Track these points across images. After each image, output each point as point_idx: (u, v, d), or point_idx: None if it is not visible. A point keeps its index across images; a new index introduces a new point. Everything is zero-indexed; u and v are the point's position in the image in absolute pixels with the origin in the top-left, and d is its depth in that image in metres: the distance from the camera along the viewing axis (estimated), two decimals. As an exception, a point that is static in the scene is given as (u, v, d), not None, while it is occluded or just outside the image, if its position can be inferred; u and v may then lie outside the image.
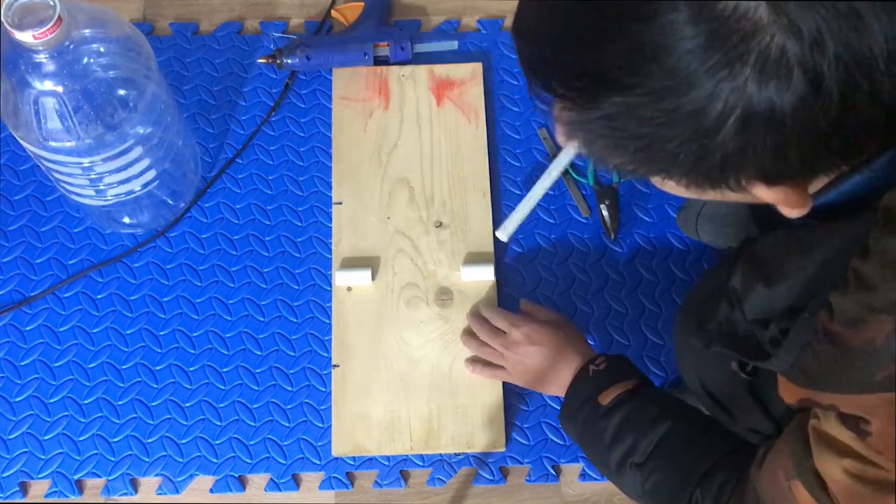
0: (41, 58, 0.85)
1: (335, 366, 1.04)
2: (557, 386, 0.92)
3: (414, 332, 1.05)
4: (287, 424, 1.03)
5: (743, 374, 0.65)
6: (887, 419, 0.49)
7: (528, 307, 1.03)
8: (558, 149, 1.14)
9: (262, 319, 1.07)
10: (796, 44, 0.42)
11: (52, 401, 1.03)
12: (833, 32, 0.42)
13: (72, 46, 0.86)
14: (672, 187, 0.52)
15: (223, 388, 1.04)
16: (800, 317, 0.57)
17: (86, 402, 1.03)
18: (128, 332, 1.06)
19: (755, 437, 0.79)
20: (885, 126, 0.46)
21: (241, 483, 1.01)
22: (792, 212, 0.52)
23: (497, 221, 1.10)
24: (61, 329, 1.06)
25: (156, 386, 1.04)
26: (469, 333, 1.04)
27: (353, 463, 1.02)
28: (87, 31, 0.88)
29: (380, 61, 1.18)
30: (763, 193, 0.50)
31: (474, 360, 1.03)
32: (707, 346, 0.72)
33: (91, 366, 1.05)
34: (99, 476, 1.01)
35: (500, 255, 1.10)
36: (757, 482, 0.64)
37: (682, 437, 0.79)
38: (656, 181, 0.52)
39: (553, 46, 0.47)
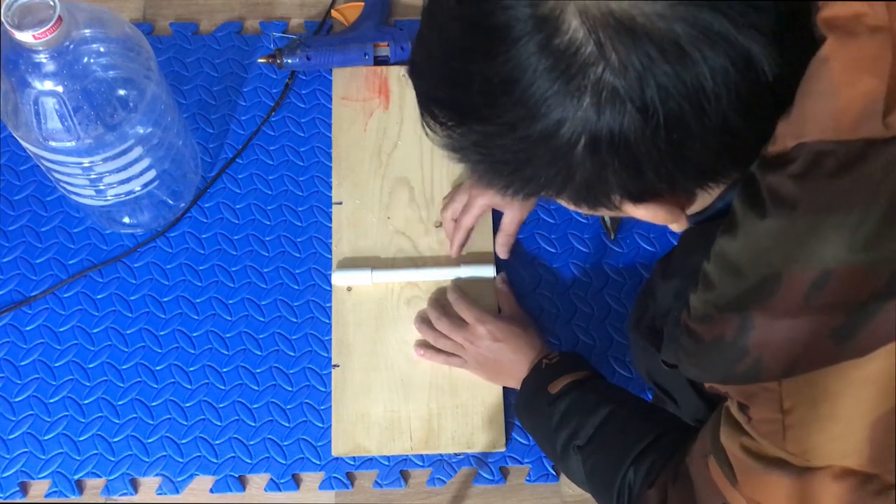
0: (41, 58, 0.85)
1: (335, 366, 1.04)
2: (514, 380, 0.96)
3: (414, 333, 1.05)
4: (287, 424, 1.03)
5: (665, 366, 0.68)
6: (763, 404, 0.53)
7: (505, 294, 1.05)
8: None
9: (262, 319, 1.07)
10: (622, 79, 0.46)
11: (52, 401, 1.03)
12: (657, 67, 0.45)
13: (72, 46, 0.86)
14: (565, 205, 0.56)
15: (223, 388, 1.04)
16: (673, 310, 0.59)
17: (86, 402, 1.03)
18: (128, 332, 1.06)
19: (700, 425, 0.81)
20: (736, 150, 0.49)
21: (241, 483, 1.01)
22: (672, 226, 0.56)
23: (497, 221, 1.10)
24: (61, 329, 1.06)
25: (156, 386, 1.04)
26: (425, 321, 1.04)
27: (353, 463, 1.02)
28: (87, 31, 0.88)
29: (380, 61, 1.18)
30: (634, 211, 0.53)
31: (425, 345, 1.04)
32: (639, 340, 0.77)
33: (91, 366, 1.05)
34: (99, 476, 1.01)
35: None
36: (690, 464, 0.67)
37: (621, 420, 0.83)
38: (558, 200, 0.56)
39: (430, 82, 0.53)
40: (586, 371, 0.92)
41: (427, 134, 0.55)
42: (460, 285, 1.07)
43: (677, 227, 0.56)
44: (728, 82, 0.46)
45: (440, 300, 1.05)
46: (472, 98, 0.50)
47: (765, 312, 0.50)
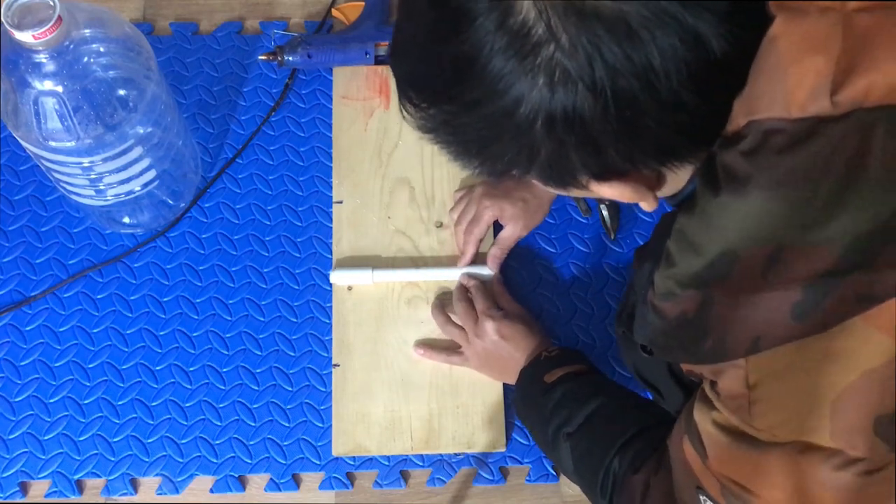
0: (41, 58, 0.85)
1: (335, 366, 1.04)
2: (513, 376, 0.97)
3: (414, 332, 1.05)
4: (287, 424, 1.03)
5: (644, 353, 0.69)
6: (730, 380, 0.54)
7: (502, 294, 1.05)
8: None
9: (262, 319, 1.07)
10: (572, 59, 0.47)
11: (52, 401, 1.03)
12: (606, 47, 0.46)
13: (72, 46, 0.86)
14: (538, 184, 0.57)
15: (223, 388, 1.04)
16: (639, 293, 0.60)
17: (86, 402, 1.03)
18: (128, 332, 1.06)
19: None
20: (693, 127, 0.50)
21: (241, 483, 1.01)
22: (644, 206, 0.57)
23: (497, 221, 1.10)
24: (61, 329, 1.06)
25: (156, 386, 1.04)
26: (440, 308, 1.05)
27: (353, 463, 1.02)
28: (87, 31, 0.88)
29: (381, 60, 1.18)
30: (601, 190, 0.54)
31: (425, 345, 1.04)
32: (619, 330, 0.79)
33: (91, 366, 1.05)
34: (99, 476, 1.01)
35: (501, 255, 1.10)
36: (670, 449, 0.68)
37: (610, 411, 0.85)
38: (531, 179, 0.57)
39: (405, 64, 0.55)
40: (584, 365, 0.93)
41: (403, 116, 0.56)
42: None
43: (647, 206, 0.57)
44: (677, 60, 0.47)
45: (466, 291, 1.06)
46: (440, 78, 0.51)
47: (724, 290, 0.50)
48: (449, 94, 0.51)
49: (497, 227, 1.09)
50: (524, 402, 0.94)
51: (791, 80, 0.46)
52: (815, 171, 0.46)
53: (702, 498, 0.62)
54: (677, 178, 0.57)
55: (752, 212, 0.48)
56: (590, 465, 0.82)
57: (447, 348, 1.04)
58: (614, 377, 1.05)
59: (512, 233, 1.06)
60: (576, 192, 0.57)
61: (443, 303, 1.06)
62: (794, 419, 0.51)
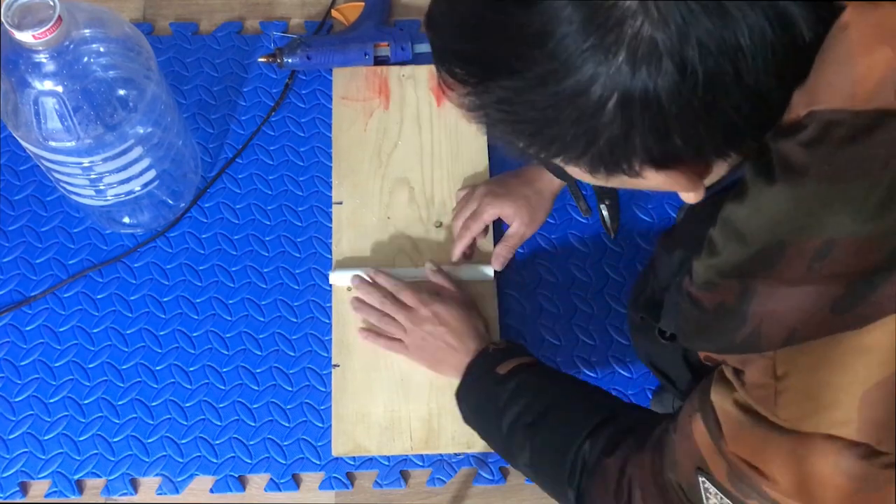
0: (41, 58, 0.85)
1: (335, 366, 1.04)
2: (453, 368, 0.95)
3: (414, 332, 1.05)
4: (287, 424, 1.03)
5: (662, 340, 0.68)
6: (756, 370, 0.53)
7: (439, 279, 1.04)
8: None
9: (262, 319, 1.07)
10: (663, 33, 0.45)
11: (52, 401, 1.03)
12: (698, 22, 0.45)
13: (72, 46, 0.86)
14: (579, 174, 0.55)
15: (223, 388, 1.04)
16: (673, 281, 0.59)
17: (86, 402, 1.03)
18: (128, 332, 1.06)
19: None
20: (762, 115, 0.49)
21: (241, 483, 1.01)
22: (688, 196, 0.55)
23: (497, 221, 1.10)
24: (61, 329, 1.06)
25: (156, 386, 1.04)
26: (364, 302, 1.04)
27: (353, 463, 1.02)
28: (87, 31, 0.88)
29: (380, 61, 1.18)
30: (654, 178, 0.53)
31: (370, 329, 1.03)
32: (636, 316, 0.77)
33: (91, 366, 1.05)
34: (99, 476, 1.01)
35: (501, 255, 1.10)
36: (672, 429, 0.66)
37: (573, 398, 0.83)
38: (570, 169, 0.55)
39: (453, 35, 0.51)
40: (533, 358, 0.91)
41: (444, 93, 0.53)
42: (459, 287, 1.07)
43: (694, 197, 0.55)
44: (765, 42, 0.45)
45: (381, 286, 1.04)
46: (500, 50, 0.48)
47: (767, 280, 0.50)
48: (510, 67, 0.48)
49: (498, 233, 1.09)
50: (475, 395, 0.91)
51: (859, 71, 0.45)
52: (874, 165, 0.45)
53: (700, 479, 0.61)
54: (719, 170, 0.56)
55: (806, 204, 0.47)
56: (553, 454, 0.80)
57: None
58: (614, 377, 1.05)
59: (516, 231, 1.05)
60: (620, 180, 0.55)
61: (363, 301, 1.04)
62: (819, 412, 0.50)
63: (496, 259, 1.06)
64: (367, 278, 1.04)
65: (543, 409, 0.82)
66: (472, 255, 1.08)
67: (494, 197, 1.05)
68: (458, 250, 1.07)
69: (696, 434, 0.61)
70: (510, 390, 0.85)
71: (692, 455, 0.61)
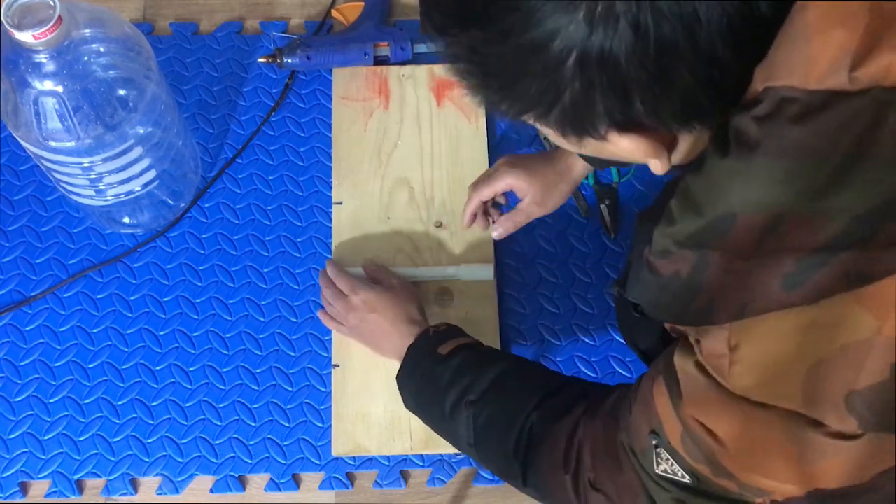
0: (41, 58, 0.85)
1: (335, 366, 1.04)
2: (393, 350, 0.95)
3: (414, 332, 1.05)
4: (287, 424, 1.03)
5: (636, 314, 0.69)
6: (713, 340, 0.55)
7: (373, 271, 1.05)
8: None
9: (262, 319, 1.07)
10: None
11: (52, 401, 1.03)
12: None
13: (72, 46, 0.86)
14: (553, 136, 0.57)
15: (223, 388, 1.04)
16: (634, 250, 0.62)
17: (86, 402, 1.03)
18: (128, 332, 1.06)
19: None
20: (720, 86, 0.50)
21: (241, 483, 1.01)
22: (655, 165, 0.56)
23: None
24: (61, 329, 1.06)
25: (156, 386, 1.04)
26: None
27: (353, 463, 1.02)
28: (87, 31, 0.88)
29: (380, 61, 1.18)
30: (620, 143, 0.53)
31: (324, 312, 1.04)
32: (614, 289, 0.77)
33: (91, 366, 1.05)
34: (99, 476, 1.01)
35: (500, 255, 1.10)
36: (634, 395, 0.67)
37: (520, 372, 0.84)
38: (543, 129, 0.57)
39: None
40: (476, 340, 0.91)
41: (424, 41, 0.54)
42: (460, 286, 1.07)
43: (660, 166, 0.57)
44: (723, 13, 0.46)
45: (327, 274, 1.05)
46: (472, 2, 0.51)
47: (719, 252, 0.51)
48: (480, 19, 0.50)
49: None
50: (416, 377, 0.90)
51: (813, 51, 0.45)
52: (823, 144, 0.46)
53: (653, 443, 0.62)
54: (690, 146, 0.57)
55: (755, 178, 0.48)
56: (499, 428, 0.80)
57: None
58: (614, 378, 1.05)
59: (525, 207, 1.03)
60: (590, 145, 0.56)
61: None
62: (769, 384, 0.52)
63: (496, 228, 1.05)
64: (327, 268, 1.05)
65: (487, 385, 0.82)
66: (486, 226, 1.07)
67: (512, 167, 1.03)
68: (466, 213, 1.06)
69: (655, 396, 0.62)
70: (452, 368, 0.85)
71: (649, 417, 0.63)
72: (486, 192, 1.04)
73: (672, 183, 0.64)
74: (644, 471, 0.65)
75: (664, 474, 0.63)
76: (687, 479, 0.61)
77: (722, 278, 0.51)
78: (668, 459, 0.62)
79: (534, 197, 1.02)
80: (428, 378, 0.88)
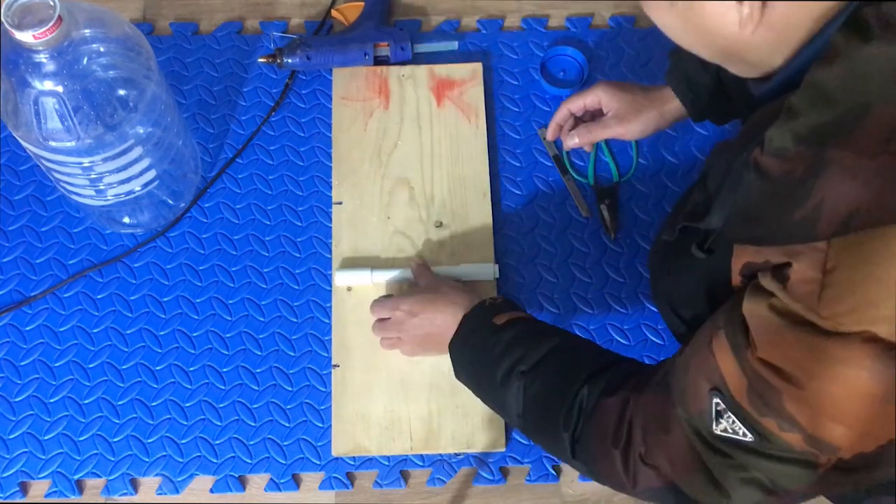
0: (41, 58, 0.85)
1: (335, 366, 1.04)
2: (446, 342, 0.93)
3: (414, 332, 1.05)
4: (287, 424, 1.03)
5: (700, 253, 0.68)
6: (806, 262, 0.52)
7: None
8: (559, 150, 1.14)
9: (262, 319, 1.07)
10: None
11: (52, 401, 1.03)
12: None
13: (72, 46, 0.86)
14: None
15: (223, 388, 1.04)
16: (733, 169, 0.60)
17: (86, 402, 1.03)
18: (128, 332, 1.06)
19: None
20: None
21: (241, 483, 1.01)
22: (744, 23, 0.54)
23: (497, 221, 1.10)
24: (61, 329, 1.06)
25: (156, 386, 1.04)
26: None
27: (353, 463, 1.02)
28: (87, 31, 0.88)
29: (380, 61, 1.19)
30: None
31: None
32: (671, 234, 0.75)
33: (91, 366, 1.05)
34: (99, 476, 1.01)
35: (500, 256, 1.10)
36: (678, 366, 0.65)
37: (572, 346, 0.83)
38: None
39: None
40: (531, 315, 0.91)
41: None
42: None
43: (748, 22, 0.54)
44: None
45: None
46: None
47: (842, 148, 0.48)
48: None
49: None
50: (470, 345, 0.90)
51: None
52: None
53: (715, 401, 0.59)
54: (771, 52, 0.54)
55: None
56: (549, 400, 0.79)
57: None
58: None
59: (605, 121, 1.01)
60: (679, 7, 0.54)
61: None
62: (862, 308, 0.50)
63: (571, 137, 1.04)
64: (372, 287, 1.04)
65: (540, 357, 0.81)
66: (568, 145, 1.07)
67: (607, 84, 1.02)
68: (552, 123, 1.06)
69: (716, 350, 0.59)
70: (506, 340, 0.85)
71: (709, 374, 0.60)
72: (576, 103, 1.03)
73: (759, 115, 0.62)
74: (700, 437, 0.62)
75: (723, 434, 0.60)
76: (749, 438, 0.58)
77: (836, 181, 0.49)
78: (729, 417, 0.59)
79: (617, 112, 1.01)
80: (482, 346, 0.87)
